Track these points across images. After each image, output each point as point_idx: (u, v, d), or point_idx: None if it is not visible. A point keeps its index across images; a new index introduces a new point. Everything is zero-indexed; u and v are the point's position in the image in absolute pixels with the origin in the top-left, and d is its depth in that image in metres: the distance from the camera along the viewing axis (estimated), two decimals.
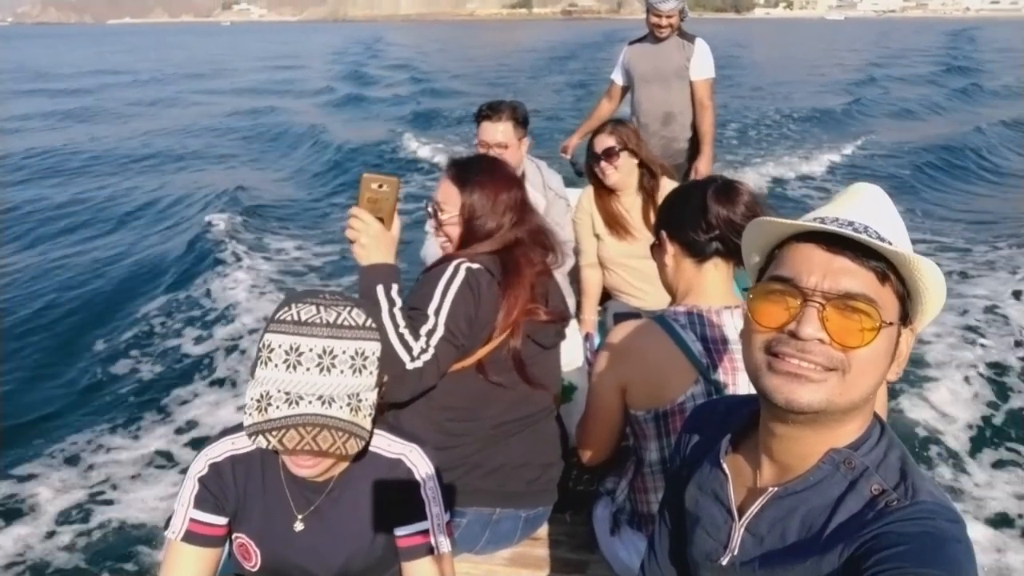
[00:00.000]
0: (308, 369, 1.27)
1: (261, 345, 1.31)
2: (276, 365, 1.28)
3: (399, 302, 1.82)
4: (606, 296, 3.48)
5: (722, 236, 1.78)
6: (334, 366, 1.29)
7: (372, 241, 1.81)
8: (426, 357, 1.82)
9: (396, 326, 1.80)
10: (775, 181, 10.63)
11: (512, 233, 2.00)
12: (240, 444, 1.46)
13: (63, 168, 11.95)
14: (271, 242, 8.09)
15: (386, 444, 1.49)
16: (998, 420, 4.44)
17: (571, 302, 3.08)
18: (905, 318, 1.00)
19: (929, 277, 0.96)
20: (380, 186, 1.78)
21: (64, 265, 7.32)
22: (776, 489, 1.04)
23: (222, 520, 1.45)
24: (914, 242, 1.01)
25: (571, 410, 2.50)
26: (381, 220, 1.80)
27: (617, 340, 1.84)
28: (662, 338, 1.76)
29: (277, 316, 1.31)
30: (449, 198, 2.02)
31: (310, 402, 1.27)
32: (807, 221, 1.00)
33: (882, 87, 20.62)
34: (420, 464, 1.48)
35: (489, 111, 3.19)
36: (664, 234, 1.87)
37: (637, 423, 1.84)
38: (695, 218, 1.79)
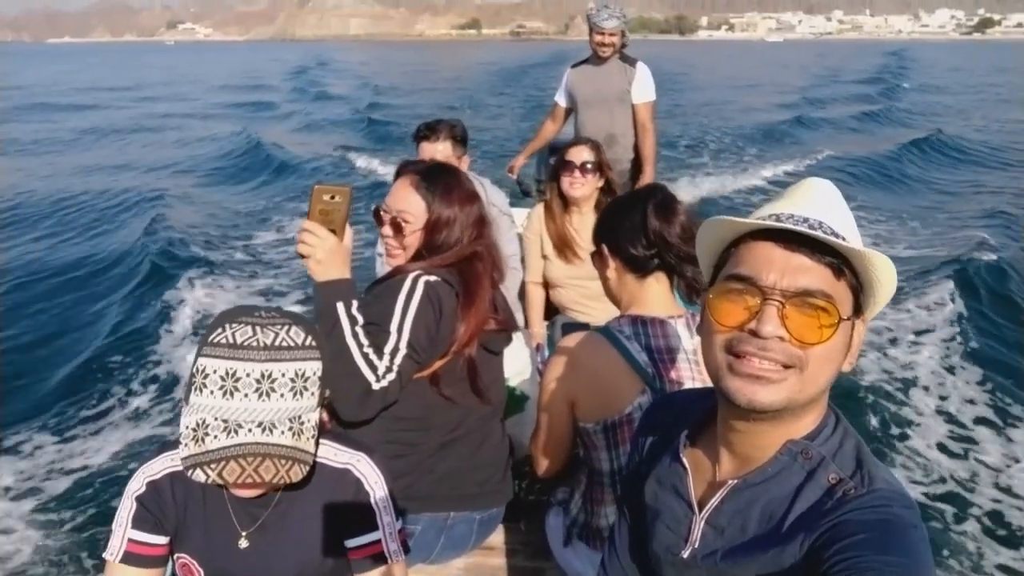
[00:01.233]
0: (246, 395, 1.21)
1: (195, 370, 1.24)
2: (212, 392, 1.21)
3: (361, 319, 1.78)
4: (555, 311, 3.54)
5: (661, 252, 1.82)
6: (273, 390, 1.23)
7: (328, 256, 1.74)
8: (391, 377, 1.79)
9: (360, 346, 1.77)
10: (722, 195, 10.90)
11: (470, 248, 1.97)
12: (179, 460, 1.33)
13: None
14: (216, 260, 7.96)
15: (332, 454, 1.43)
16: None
17: (519, 316, 3.15)
18: (858, 310, 1.02)
19: (883, 271, 0.98)
20: (332, 197, 1.72)
21: None
22: (735, 481, 1.05)
23: (162, 539, 1.40)
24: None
25: (523, 419, 2.52)
26: (333, 232, 1.74)
27: (564, 353, 1.86)
28: (608, 350, 1.79)
29: (211, 339, 1.24)
30: (412, 206, 1.96)
31: (250, 430, 1.21)
32: (762, 218, 1.01)
33: (819, 104, 21.32)
34: (369, 473, 1.44)
35: (427, 131, 3.22)
36: (604, 247, 1.90)
37: (587, 435, 1.86)
38: (635, 234, 1.82)
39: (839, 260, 0.98)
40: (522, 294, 3.48)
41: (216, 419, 1.21)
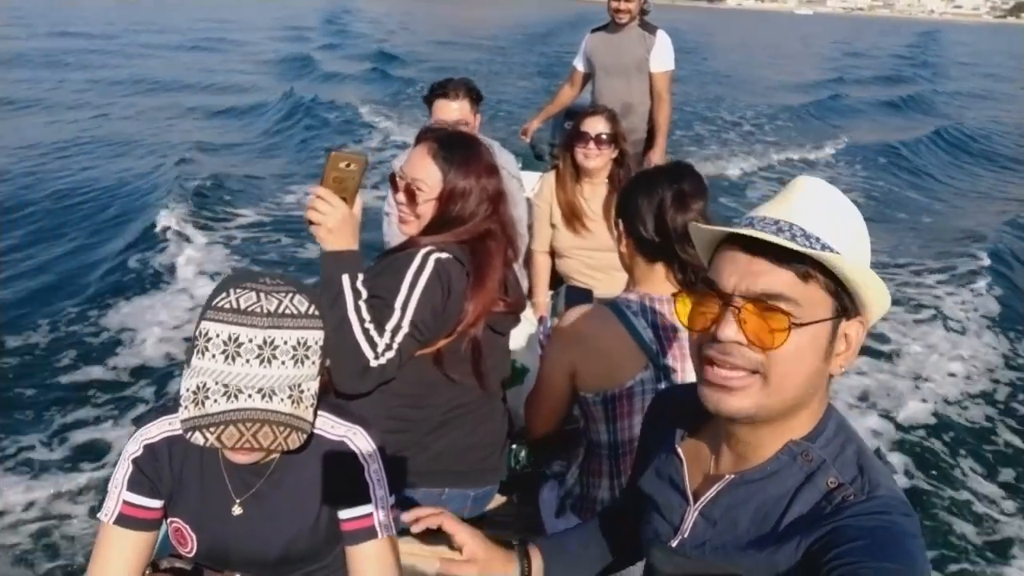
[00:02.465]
0: (248, 361, 1.22)
1: (198, 333, 1.24)
2: (214, 356, 1.22)
3: (364, 293, 1.74)
4: (560, 280, 3.51)
5: (669, 242, 1.79)
6: (275, 357, 1.23)
7: (339, 225, 1.69)
8: (390, 355, 1.76)
9: (362, 321, 1.73)
10: (742, 174, 10.71)
11: (485, 223, 1.92)
12: (177, 425, 1.35)
13: None
14: (225, 217, 7.86)
15: (329, 426, 1.42)
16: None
17: (524, 284, 3.11)
18: (845, 311, 0.99)
19: (852, 273, 0.95)
20: (348, 165, 1.68)
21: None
22: (733, 476, 1.06)
23: (157, 503, 1.40)
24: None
25: (522, 392, 2.51)
26: (345, 200, 1.70)
27: (568, 324, 1.86)
28: (613, 324, 1.79)
29: (214, 303, 1.24)
30: (428, 175, 1.90)
31: (250, 396, 1.22)
32: (737, 223, 1.01)
33: (849, 85, 20.84)
34: (364, 446, 1.43)
35: (445, 89, 3.12)
36: (621, 223, 1.88)
37: (586, 405, 1.86)
38: (648, 218, 1.80)
39: (809, 263, 0.95)
40: (527, 261, 3.44)
41: (217, 383, 1.22)
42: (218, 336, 1.22)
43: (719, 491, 1.07)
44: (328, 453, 1.42)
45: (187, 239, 6.94)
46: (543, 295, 3.43)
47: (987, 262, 7.03)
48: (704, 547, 1.07)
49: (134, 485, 1.39)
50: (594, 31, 4.63)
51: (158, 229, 7.03)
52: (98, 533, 1.41)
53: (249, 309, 1.23)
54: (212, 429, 1.21)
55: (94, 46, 21.03)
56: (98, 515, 1.41)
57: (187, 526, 1.42)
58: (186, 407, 1.23)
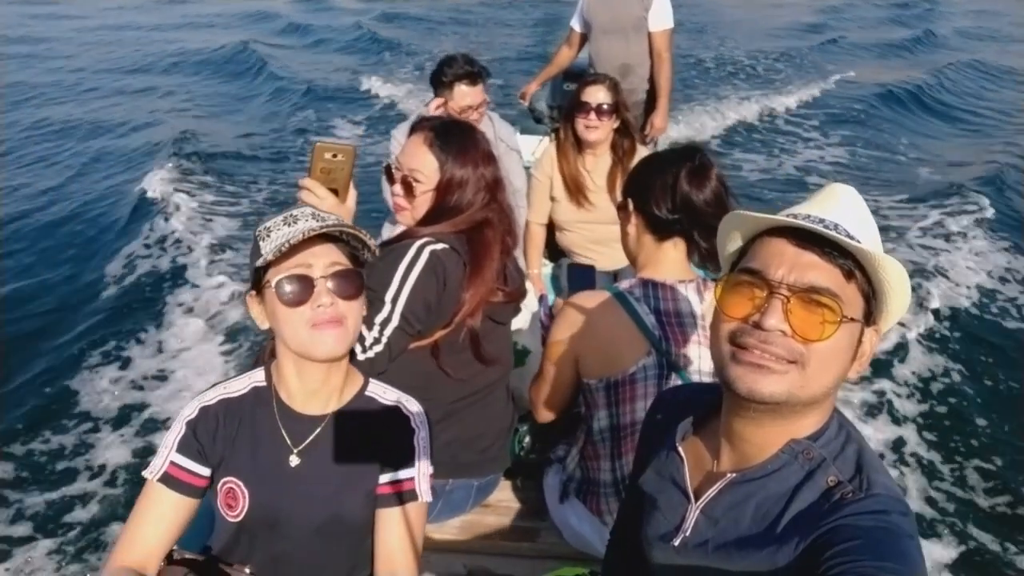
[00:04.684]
0: (306, 220, 1.33)
1: (257, 236, 1.35)
2: (275, 230, 1.32)
3: None
4: (559, 253, 3.46)
5: (685, 218, 1.76)
6: (326, 219, 1.35)
7: None
8: (378, 348, 1.75)
9: None
10: (746, 124, 10.45)
11: (482, 213, 1.90)
12: (232, 388, 1.45)
13: None
14: (224, 187, 7.76)
15: (382, 391, 1.49)
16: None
17: (520, 260, 3.06)
18: (869, 317, 1.02)
19: (894, 276, 0.98)
20: (334, 155, 1.65)
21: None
22: (734, 475, 1.07)
23: (203, 470, 1.41)
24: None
25: (524, 373, 2.48)
26: (335, 192, 1.67)
27: (571, 312, 1.85)
28: (616, 309, 1.78)
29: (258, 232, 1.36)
30: (425, 166, 1.88)
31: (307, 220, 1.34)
32: (782, 216, 1.03)
33: (844, 25, 20.32)
34: (417, 412, 1.49)
35: (468, 75, 3.06)
36: (631, 202, 1.85)
37: (589, 391, 1.86)
38: (663, 195, 1.77)
39: (851, 263, 0.99)
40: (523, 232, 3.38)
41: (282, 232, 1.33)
42: (273, 222, 1.34)
43: (720, 489, 1.08)
44: (382, 414, 1.47)
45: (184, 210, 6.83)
46: (536, 266, 3.39)
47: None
48: (706, 545, 1.07)
49: (183, 447, 1.40)
50: None
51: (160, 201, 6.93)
52: (143, 490, 1.42)
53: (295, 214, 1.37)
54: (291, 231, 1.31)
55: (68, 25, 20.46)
56: (143, 472, 1.42)
57: (240, 483, 1.41)
58: (274, 236, 1.32)
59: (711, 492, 1.08)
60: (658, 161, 1.86)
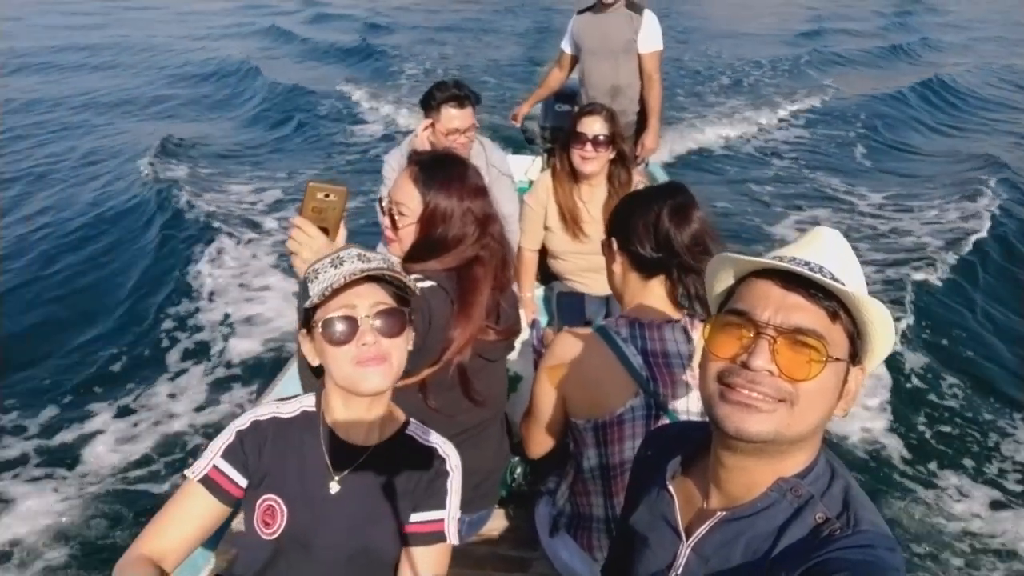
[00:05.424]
0: (352, 262, 1.40)
1: (306, 278, 1.43)
2: (322, 271, 1.39)
3: None
4: (552, 277, 3.48)
5: (669, 257, 1.77)
6: (371, 259, 1.42)
7: (314, 256, 1.67)
8: None
9: None
10: (731, 142, 10.45)
11: (473, 249, 1.89)
12: (284, 409, 1.50)
13: None
14: (219, 187, 7.72)
15: (422, 432, 1.54)
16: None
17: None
18: (855, 357, 1.05)
19: (877, 317, 1.01)
20: (326, 195, 1.68)
21: None
22: (724, 513, 1.08)
23: (242, 480, 1.44)
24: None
25: (516, 400, 2.50)
26: (326, 231, 1.70)
27: (558, 352, 1.84)
28: (603, 351, 1.78)
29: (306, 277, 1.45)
30: (409, 198, 1.89)
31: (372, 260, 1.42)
32: (768, 259, 1.05)
33: (834, 37, 20.38)
34: (452, 456, 1.53)
35: (455, 97, 3.11)
36: (614, 242, 1.86)
37: (577, 431, 1.85)
38: (646, 233, 1.78)
39: (836, 304, 1.01)
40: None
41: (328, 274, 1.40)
42: (321, 264, 1.41)
43: (711, 528, 1.08)
44: (420, 454, 1.51)
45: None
46: (529, 290, 3.40)
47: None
48: None
49: (229, 454, 1.44)
50: (580, 12, 4.53)
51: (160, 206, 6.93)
52: (180, 487, 1.45)
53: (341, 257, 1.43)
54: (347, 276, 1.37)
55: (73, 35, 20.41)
56: (184, 471, 1.44)
57: (280, 501, 1.44)
58: (322, 279, 1.39)
59: (702, 530, 1.09)
60: (640, 199, 1.87)
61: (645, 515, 1.23)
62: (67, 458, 4.00)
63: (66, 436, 4.18)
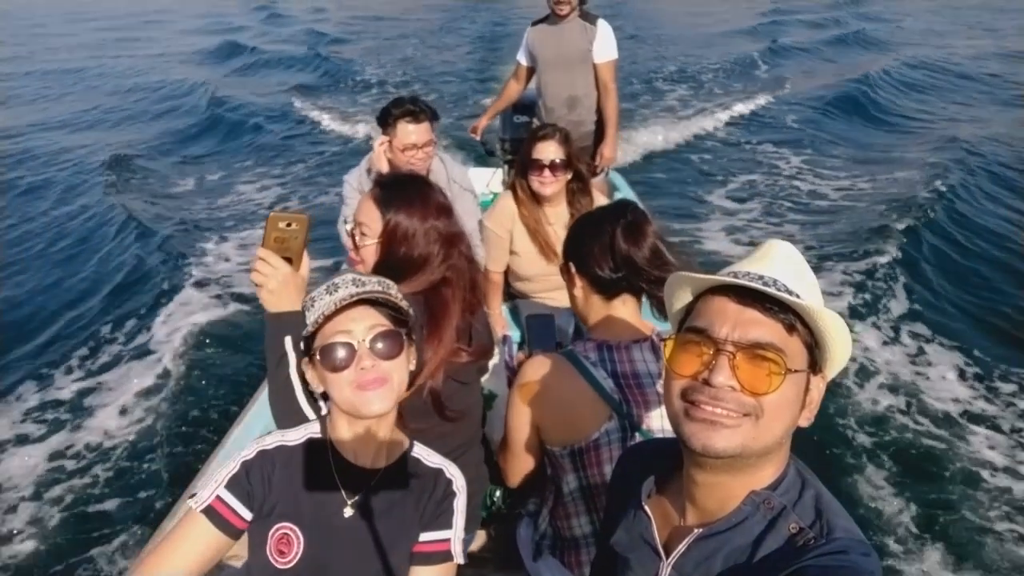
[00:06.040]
0: (347, 287, 1.42)
1: (304, 307, 1.48)
2: (318, 300, 1.41)
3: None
4: (520, 294, 3.48)
5: (629, 275, 1.78)
6: (366, 283, 1.43)
7: (280, 286, 1.70)
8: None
9: (306, 384, 1.69)
10: (691, 140, 10.56)
11: (439, 271, 1.89)
12: (289, 437, 1.49)
13: None
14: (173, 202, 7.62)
15: (427, 454, 1.56)
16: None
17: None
18: (814, 366, 1.07)
19: (833, 328, 1.03)
20: (288, 224, 1.68)
21: None
22: (700, 530, 1.09)
23: (246, 512, 1.42)
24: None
25: (492, 417, 2.50)
26: (290, 260, 1.71)
27: (528, 381, 1.83)
28: (573, 376, 1.77)
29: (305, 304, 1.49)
30: (369, 217, 1.89)
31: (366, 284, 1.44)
32: (723, 275, 1.07)
33: (787, 32, 20.65)
34: (457, 477, 1.56)
35: (410, 112, 3.11)
36: (572, 266, 1.86)
37: (554, 457, 1.85)
38: (603, 255, 1.79)
39: (792, 316, 1.03)
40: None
41: (336, 290, 1.43)
42: (318, 293, 1.43)
43: (689, 545, 1.10)
44: (428, 475, 1.54)
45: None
46: (497, 308, 3.40)
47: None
48: None
49: (233, 485, 1.42)
50: (535, 24, 4.56)
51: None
52: (182, 518, 1.43)
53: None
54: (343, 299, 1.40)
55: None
56: (188, 501, 1.43)
57: (296, 529, 1.43)
58: (319, 305, 1.42)
59: (680, 548, 1.11)
60: (590, 222, 1.88)
61: (624, 536, 1.24)
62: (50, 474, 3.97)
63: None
